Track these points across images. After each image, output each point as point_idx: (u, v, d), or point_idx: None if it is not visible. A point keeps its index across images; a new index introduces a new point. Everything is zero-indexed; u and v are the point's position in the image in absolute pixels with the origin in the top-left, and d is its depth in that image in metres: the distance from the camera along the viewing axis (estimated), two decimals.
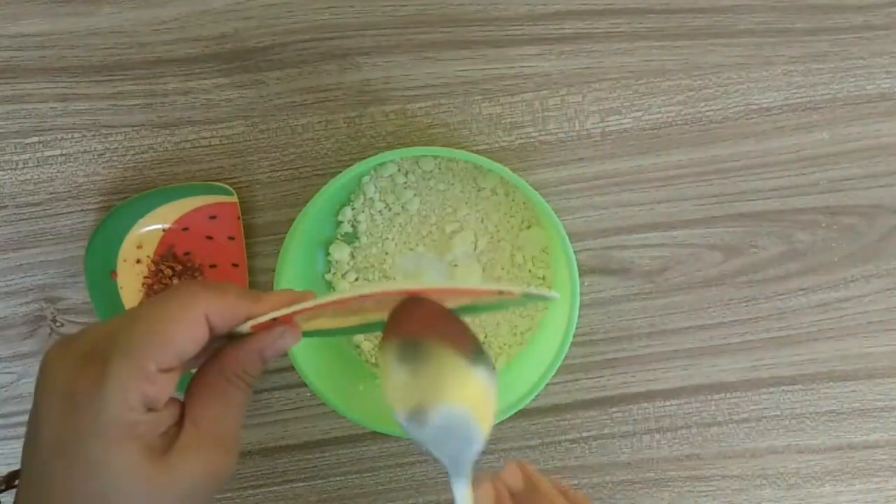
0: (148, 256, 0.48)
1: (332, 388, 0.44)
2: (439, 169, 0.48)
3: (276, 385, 0.50)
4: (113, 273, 0.48)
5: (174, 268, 0.48)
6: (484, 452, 0.50)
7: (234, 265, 0.48)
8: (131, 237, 0.48)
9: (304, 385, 0.44)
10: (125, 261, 0.48)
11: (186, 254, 0.49)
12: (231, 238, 0.48)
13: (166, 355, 0.29)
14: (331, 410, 0.44)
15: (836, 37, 0.49)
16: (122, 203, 0.48)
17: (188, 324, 0.30)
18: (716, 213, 0.49)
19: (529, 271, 0.48)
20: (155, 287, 0.48)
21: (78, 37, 0.48)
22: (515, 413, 0.43)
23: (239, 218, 0.48)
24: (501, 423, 0.43)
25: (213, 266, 0.49)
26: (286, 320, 0.32)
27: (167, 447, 0.30)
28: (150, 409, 0.29)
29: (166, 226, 0.48)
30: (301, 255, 0.46)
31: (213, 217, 0.48)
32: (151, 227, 0.48)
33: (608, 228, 0.49)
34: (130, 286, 0.48)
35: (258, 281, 0.49)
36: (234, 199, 0.47)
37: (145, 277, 0.48)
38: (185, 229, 0.48)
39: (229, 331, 0.32)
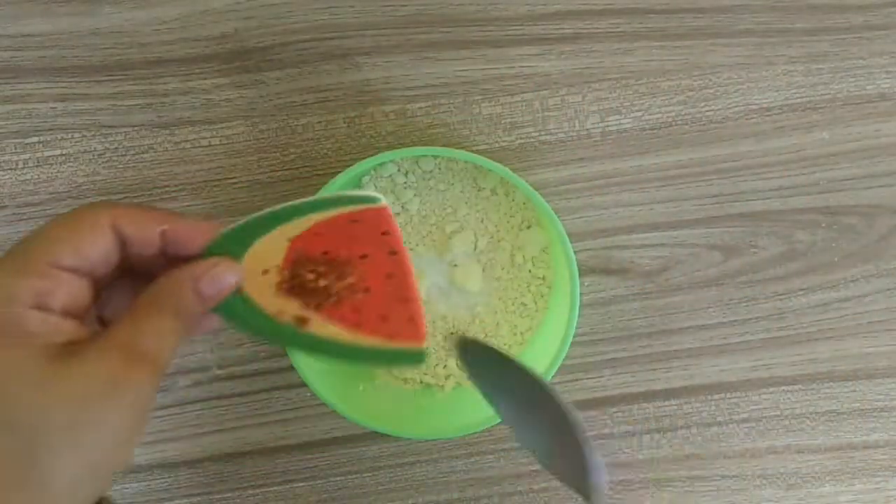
0: (276, 265, 0.37)
1: (332, 388, 0.44)
2: (439, 169, 0.48)
3: (276, 385, 0.50)
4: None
5: (317, 269, 0.38)
6: (484, 452, 0.50)
7: (392, 253, 0.38)
8: (248, 255, 0.37)
9: (304, 385, 0.44)
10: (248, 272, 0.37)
11: (324, 253, 0.38)
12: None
13: (59, 251, 0.29)
14: (331, 410, 0.44)
15: (836, 37, 0.49)
16: (228, 230, 0.36)
17: (86, 223, 0.30)
18: (716, 213, 0.49)
19: (529, 271, 0.48)
20: (295, 290, 0.37)
21: (78, 37, 0.48)
22: None
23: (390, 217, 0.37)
24: (502, 423, 0.43)
25: (363, 256, 0.38)
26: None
27: (71, 354, 0.28)
28: (44, 309, 0.28)
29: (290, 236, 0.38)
30: None
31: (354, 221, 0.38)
32: (271, 243, 0.37)
33: (608, 228, 0.49)
34: (262, 297, 0.37)
35: None
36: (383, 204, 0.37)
37: (279, 283, 0.37)
38: (315, 234, 0.38)
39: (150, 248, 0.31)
